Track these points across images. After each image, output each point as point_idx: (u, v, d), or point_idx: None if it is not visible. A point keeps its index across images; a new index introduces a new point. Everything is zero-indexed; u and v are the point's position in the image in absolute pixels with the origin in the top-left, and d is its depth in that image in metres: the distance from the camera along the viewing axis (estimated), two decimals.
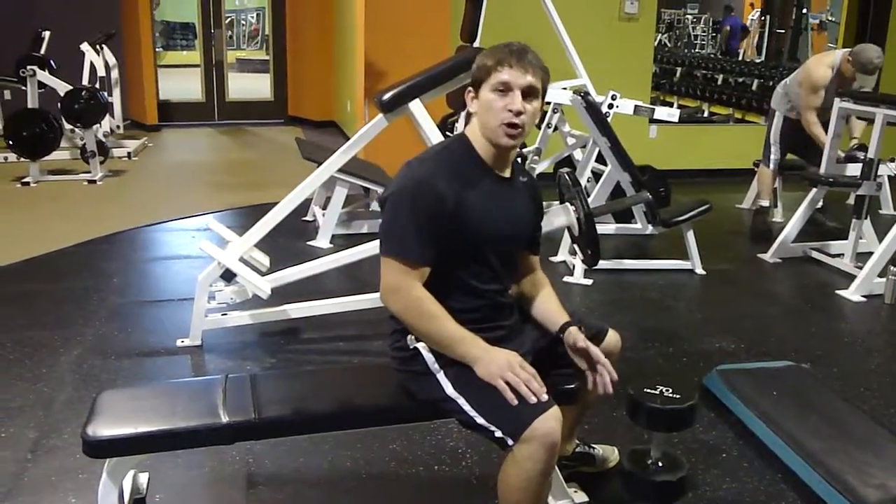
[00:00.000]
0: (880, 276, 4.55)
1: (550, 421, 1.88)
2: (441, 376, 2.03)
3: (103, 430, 1.99)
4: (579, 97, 4.76)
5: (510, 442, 1.90)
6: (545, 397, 1.91)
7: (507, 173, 2.13)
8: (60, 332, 3.70)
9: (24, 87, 7.10)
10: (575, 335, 2.11)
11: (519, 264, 2.26)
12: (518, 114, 1.98)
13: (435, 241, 1.99)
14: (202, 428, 2.05)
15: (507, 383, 1.91)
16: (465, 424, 2.05)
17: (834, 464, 2.55)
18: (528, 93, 2.00)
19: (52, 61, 7.54)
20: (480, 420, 1.96)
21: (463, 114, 6.36)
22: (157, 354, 3.53)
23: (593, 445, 2.64)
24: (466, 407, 1.99)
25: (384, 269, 2.02)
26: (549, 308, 2.24)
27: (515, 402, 1.89)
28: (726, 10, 16.47)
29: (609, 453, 2.66)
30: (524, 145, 5.69)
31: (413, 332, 2.05)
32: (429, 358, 2.04)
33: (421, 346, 2.05)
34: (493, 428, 1.94)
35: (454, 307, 2.03)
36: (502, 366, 1.93)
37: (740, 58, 15.61)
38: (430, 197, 1.97)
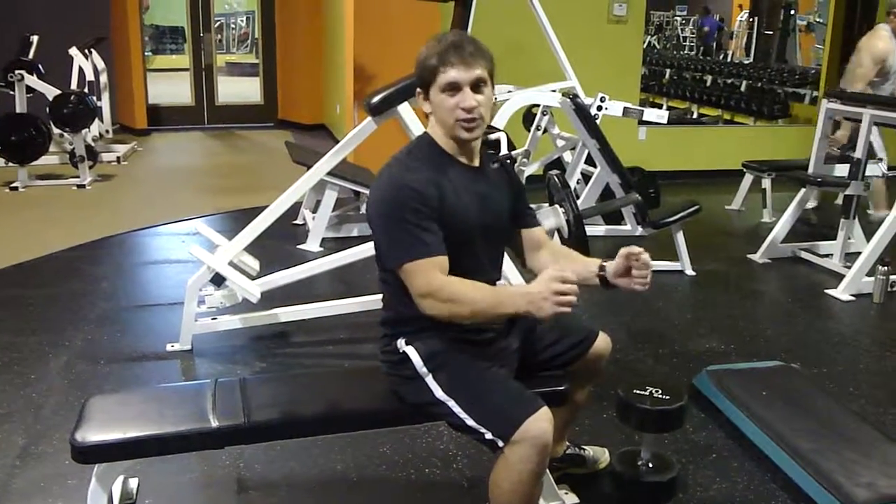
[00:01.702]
0: (869, 275, 4.57)
1: (542, 422, 1.88)
2: (430, 380, 2.03)
3: (92, 435, 1.98)
4: (568, 99, 4.77)
5: (500, 444, 1.90)
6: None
7: (476, 163, 2.12)
8: (49, 338, 3.69)
9: (12, 92, 7.08)
10: (619, 260, 2.06)
11: (526, 243, 2.26)
12: (471, 109, 1.98)
13: (435, 230, 1.96)
14: (192, 432, 2.05)
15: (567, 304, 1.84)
16: (455, 427, 2.05)
17: (823, 463, 2.55)
18: (477, 84, 1.98)
19: (40, 66, 7.51)
20: (471, 422, 1.96)
21: None
22: (147, 359, 3.52)
23: (584, 447, 2.64)
24: (457, 409, 1.99)
25: (408, 281, 1.96)
26: (582, 260, 2.24)
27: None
28: (704, 11, 16.65)
29: (600, 455, 2.66)
30: (513, 147, 5.69)
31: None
32: (417, 362, 2.04)
33: (409, 349, 2.05)
34: (483, 430, 1.94)
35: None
36: (548, 297, 1.83)
37: (721, 56, 15.70)
38: (414, 197, 1.95)
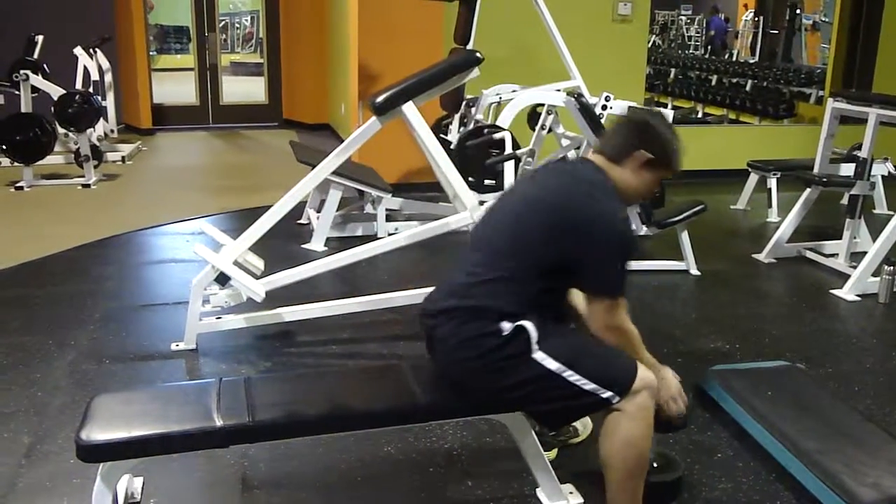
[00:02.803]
0: (874, 275, 4.56)
1: (645, 371, 2.13)
2: (540, 355, 2.08)
3: (97, 434, 1.99)
4: (573, 98, 4.76)
5: (617, 400, 2.06)
6: None
7: None
8: (54, 337, 3.69)
9: (17, 92, 7.09)
10: None
11: None
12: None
13: None
14: (196, 431, 2.05)
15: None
16: (554, 400, 2.11)
17: (829, 463, 2.55)
18: None
19: (45, 65, 7.53)
20: (589, 386, 2.07)
21: (457, 116, 6.36)
22: (152, 358, 3.53)
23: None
24: (574, 378, 2.07)
25: (606, 311, 2.13)
26: None
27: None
28: (713, 10, 16.66)
29: (586, 422, 2.79)
30: (518, 146, 5.69)
31: None
32: (534, 335, 2.09)
33: (524, 323, 2.08)
34: (602, 390, 2.07)
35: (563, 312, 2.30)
36: (675, 391, 2.27)
37: (726, 56, 15.68)
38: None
